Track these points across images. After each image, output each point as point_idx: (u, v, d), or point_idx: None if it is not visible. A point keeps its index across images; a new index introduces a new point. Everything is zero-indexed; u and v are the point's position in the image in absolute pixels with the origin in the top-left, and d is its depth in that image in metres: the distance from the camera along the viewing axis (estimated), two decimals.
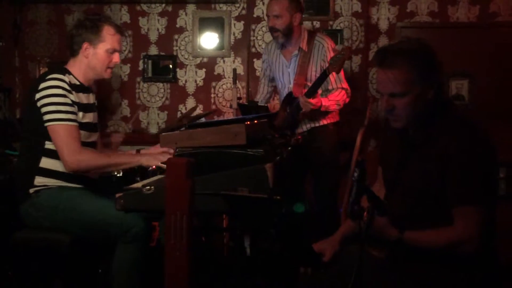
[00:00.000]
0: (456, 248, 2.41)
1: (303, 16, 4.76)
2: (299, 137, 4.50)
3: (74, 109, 3.40)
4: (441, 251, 2.43)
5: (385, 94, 2.51)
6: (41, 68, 5.81)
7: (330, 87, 4.59)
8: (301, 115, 4.53)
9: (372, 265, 2.50)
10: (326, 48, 4.59)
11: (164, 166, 3.32)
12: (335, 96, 4.54)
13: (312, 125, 4.68)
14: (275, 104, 5.14)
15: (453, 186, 2.41)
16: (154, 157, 3.42)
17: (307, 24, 5.53)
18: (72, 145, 3.33)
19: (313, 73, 4.58)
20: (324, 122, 4.68)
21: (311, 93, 4.37)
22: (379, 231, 2.43)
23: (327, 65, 4.42)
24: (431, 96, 2.47)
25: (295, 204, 3.95)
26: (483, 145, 2.42)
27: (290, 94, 4.60)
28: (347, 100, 4.63)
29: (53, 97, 3.34)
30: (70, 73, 3.50)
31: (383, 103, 2.53)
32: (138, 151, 3.84)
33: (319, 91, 4.45)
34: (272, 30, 4.63)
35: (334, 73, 4.47)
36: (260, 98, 5.08)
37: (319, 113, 4.56)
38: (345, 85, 4.61)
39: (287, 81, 4.75)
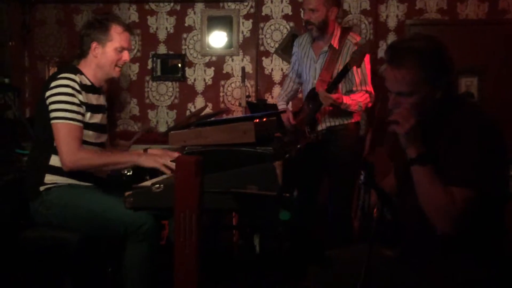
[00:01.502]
0: (439, 220, 2.38)
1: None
2: (318, 132, 4.46)
3: (81, 109, 3.41)
4: (425, 205, 2.40)
5: (392, 92, 2.50)
6: (50, 68, 5.83)
7: (354, 88, 4.47)
8: (321, 111, 4.44)
9: (384, 265, 2.49)
10: None
11: (162, 168, 3.33)
12: (357, 96, 4.42)
13: (332, 123, 4.55)
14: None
15: (447, 167, 2.39)
16: (154, 158, 3.39)
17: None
18: (70, 144, 3.33)
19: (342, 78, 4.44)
20: (344, 121, 4.54)
21: (332, 88, 4.28)
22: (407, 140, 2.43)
23: None
24: (439, 96, 2.45)
25: (281, 212, 3.91)
26: (487, 134, 2.38)
27: (313, 90, 4.49)
28: (370, 104, 4.52)
29: (61, 95, 3.36)
30: (82, 73, 3.52)
31: (390, 100, 2.52)
32: (145, 150, 3.84)
33: (339, 89, 4.37)
34: (307, 23, 4.52)
35: (360, 75, 4.40)
36: (282, 94, 4.95)
37: (339, 111, 4.44)
38: (370, 88, 4.47)
39: (312, 76, 4.62)
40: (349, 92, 4.47)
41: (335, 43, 4.51)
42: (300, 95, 5.05)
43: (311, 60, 4.66)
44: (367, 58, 4.46)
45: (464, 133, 2.38)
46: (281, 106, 4.87)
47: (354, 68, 4.35)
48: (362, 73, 4.44)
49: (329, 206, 4.65)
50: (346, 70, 4.26)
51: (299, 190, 4.69)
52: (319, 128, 4.53)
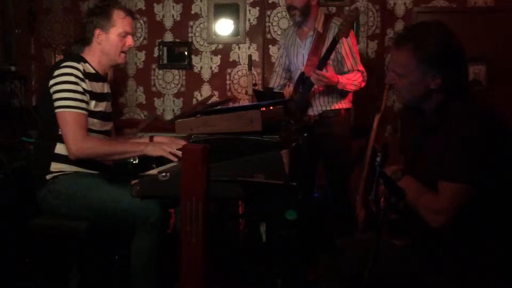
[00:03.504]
0: (428, 215, 2.43)
1: (320, 1, 4.68)
2: (311, 116, 4.47)
3: (85, 97, 3.40)
4: (416, 208, 2.46)
5: (390, 70, 2.59)
6: (56, 56, 5.82)
7: (345, 70, 4.49)
8: (311, 95, 4.47)
9: (394, 254, 2.49)
10: None
11: (169, 156, 3.32)
12: (352, 76, 4.43)
13: (324, 108, 4.58)
14: (290, 90, 5.04)
15: (441, 161, 2.42)
16: (160, 146, 3.38)
17: (322, 10, 5.49)
18: (76, 133, 3.33)
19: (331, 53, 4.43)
20: (336, 106, 4.57)
21: (321, 65, 4.28)
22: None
23: (342, 46, 4.40)
24: (436, 86, 2.46)
25: (287, 211, 3.92)
26: (487, 130, 2.37)
27: (302, 75, 4.50)
28: (363, 84, 4.52)
29: (65, 84, 3.35)
30: (85, 61, 3.51)
31: (388, 75, 2.65)
32: (151, 137, 3.83)
33: (330, 67, 4.34)
34: (290, 8, 4.53)
35: (350, 57, 4.43)
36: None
37: (332, 96, 4.51)
38: (361, 67, 4.50)
39: (300, 63, 4.63)
40: (341, 74, 4.46)
41: (319, 27, 4.53)
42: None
43: (298, 47, 4.68)
44: (353, 40, 4.52)
45: (463, 129, 2.38)
46: None
47: (344, 51, 4.43)
48: (352, 54, 4.48)
49: (328, 193, 4.71)
50: (335, 42, 4.28)
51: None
52: (311, 113, 4.57)
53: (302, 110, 4.44)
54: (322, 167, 4.76)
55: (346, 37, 4.33)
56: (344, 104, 4.60)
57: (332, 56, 4.41)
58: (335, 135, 4.57)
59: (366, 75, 4.53)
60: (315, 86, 4.38)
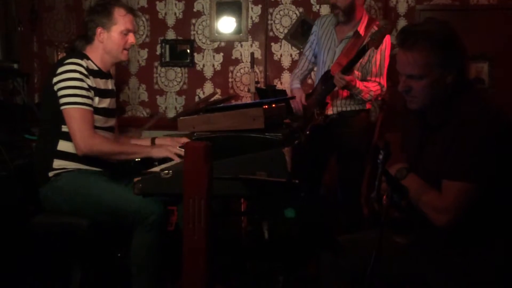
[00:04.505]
0: (431, 214, 2.42)
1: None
2: (328, 115, 4.42)
3: (90, 94, 3.41)
4: (420, 206, 2.45)
5: (403, 75, 2.50)
6: (59, 53, 5.82)
7: (368, 78, 4.41)
8: (333, 94, 4.39)
9: (396, 252, 2.49)
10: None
11: (174, 157, 3.33)
12: (371, 85, 4.35)
13: (344, 108, 4.50)
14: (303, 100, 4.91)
15: (445, 161, 2.41)
16: (165, 148, 3.41)
17: (325, 8, 5.49)
18: (84, 130, 3.33)
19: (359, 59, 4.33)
20: (355, 107, 4.49)
21: (347, 69, 4.20)
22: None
23: (374, 55, 4.34)
24: (450, 81, 2.44)
25: (286, 209, 3.89)
26: (492, 128, 2.37)
27: (328, 72, 4.40)
28: (380, 98, 4.48)
29: (70, 81, 3.35)
30: (88, 58, 3.51)
31: (400, 83, 2.52)
32: (153, 139, 3.83)
33: (357, 73, 4.31)
34: (333, 7, 4.46)
35: (378, 66, 4.36)
36: (297, 73, 4.82)
37: (353, 98, 4.42)
38: (383, 81, 4.41)
39: (329, 59, 4.52)
40: (363, 81, 4.39)
41: (361, 30, 4.40)
42: (309, 81, 5.02)
43: (331, 43, 4.56)
44: (388, 52, 4.41)
45: (468, 127, 2.37)
46: (295, 85, 4.75)
47: (374, 60, 4.34)
48: (381, 65, 4.39)
49: (338, 192, 4.66)
50: (364, 50, 4.18)
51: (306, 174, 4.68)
52: (330, 112, 4.49)
53: (321, 108, 4.40)
54: (333, 165, 4.73)
55: (376, 48, 4.24)
56: (364, 106, 4.52)
57: (363, 63, 4.37)
58: (352, 134, 4.49)
59: (385, 91, 4.46)
60: (337, 86, 4.28)
